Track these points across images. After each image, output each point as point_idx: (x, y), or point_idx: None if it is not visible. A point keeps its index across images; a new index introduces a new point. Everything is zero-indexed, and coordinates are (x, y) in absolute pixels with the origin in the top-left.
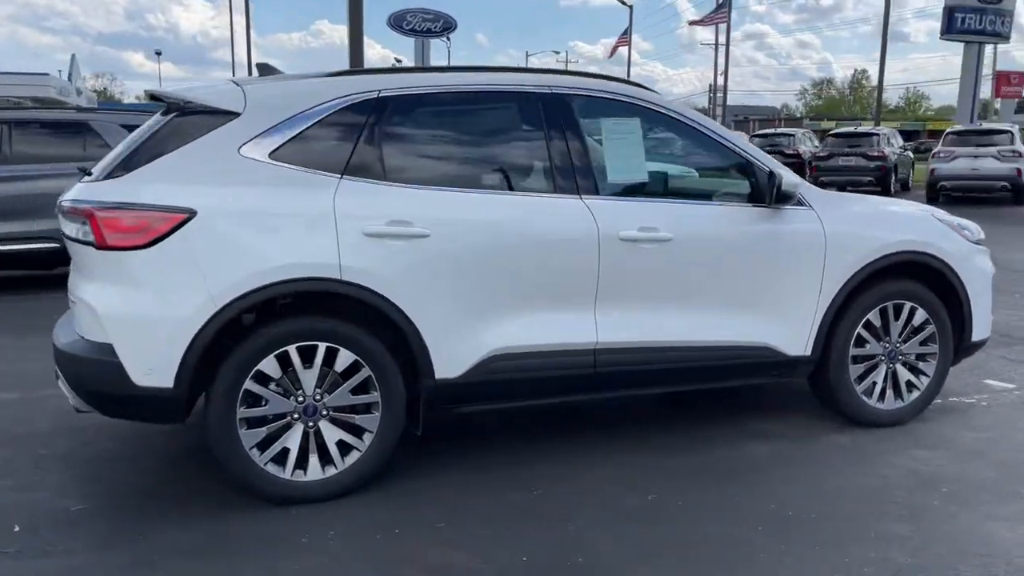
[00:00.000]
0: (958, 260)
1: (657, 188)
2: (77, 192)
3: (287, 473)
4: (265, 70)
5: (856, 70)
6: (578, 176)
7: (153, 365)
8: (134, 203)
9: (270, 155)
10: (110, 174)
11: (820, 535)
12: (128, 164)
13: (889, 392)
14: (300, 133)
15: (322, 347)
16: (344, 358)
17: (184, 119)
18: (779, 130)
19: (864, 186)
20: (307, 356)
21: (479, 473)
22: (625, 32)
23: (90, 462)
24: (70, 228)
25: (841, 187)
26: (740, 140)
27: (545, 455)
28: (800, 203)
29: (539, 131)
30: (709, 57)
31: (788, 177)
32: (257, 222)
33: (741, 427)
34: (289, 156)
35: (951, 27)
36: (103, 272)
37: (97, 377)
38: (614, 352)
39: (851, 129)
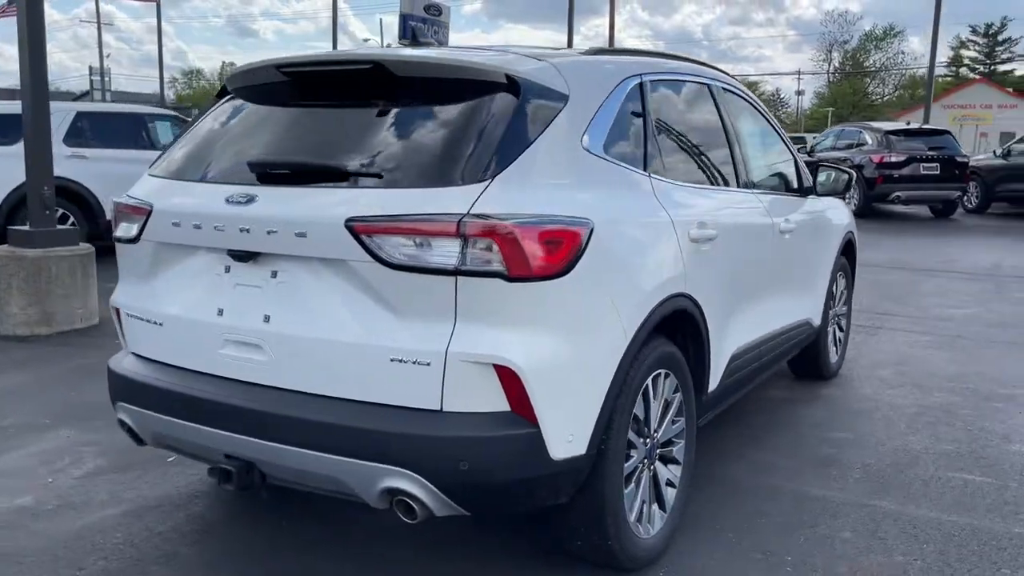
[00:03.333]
0: None
1: (765, 180)
2: (444, 202)
3: (644, 531)
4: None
5: (224, 63)
6: (749, 171)
7: (574, 429)
8: (546, 216)
9: (603, 149)
10: (466, 177)
11: None
12: (480, 164)
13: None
14: (614, 122)
15: (662, 375)
16: (670, 384)
17: (510, 102)
18: None
19: None
20: (654, 388)
21: None
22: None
23: None
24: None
25: None
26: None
27: None
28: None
29: (724, 125)
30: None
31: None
32: (639, 233)
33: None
34: (611, 150)
35: (406, 34)
36: (514, 314)
37: (498, 460)
38: (764, 343)
39: None
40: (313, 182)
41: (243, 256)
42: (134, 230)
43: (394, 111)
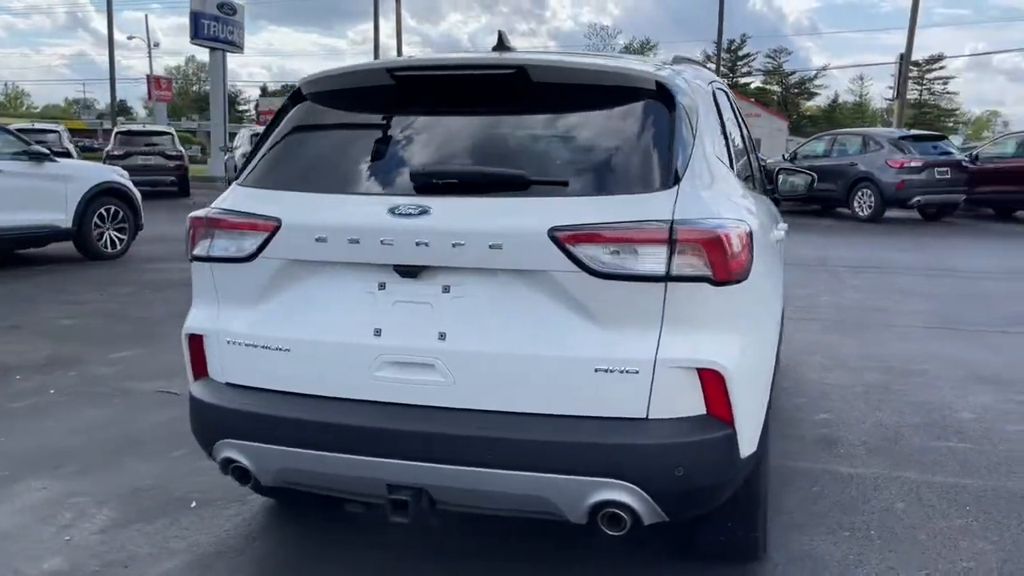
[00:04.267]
0: None
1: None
2: (646, 209)
3: None
4: None
5: None
6: (753, 172)
7: (754, 427)
8: (731, 219)
9: (715, 154)
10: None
11: None
12: (663, 170)
13: None
14: (715, 128)
15: None
16: None
17: (664, 109)
18: (40, 125)
19: (168, 186)
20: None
21: None
22: None
23: None
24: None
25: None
26: None
27: None
28: None
29: (740, 128)
30: None
31: None
32: (766, 233)
33: None
34: (719, 155)
35: (198, 32)
36: (716, 317)
37: (707, 464)
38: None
39: (141, 127)
40: (486, 192)
41: (411, 272)
42: (249, 247)
43: (545, 117)
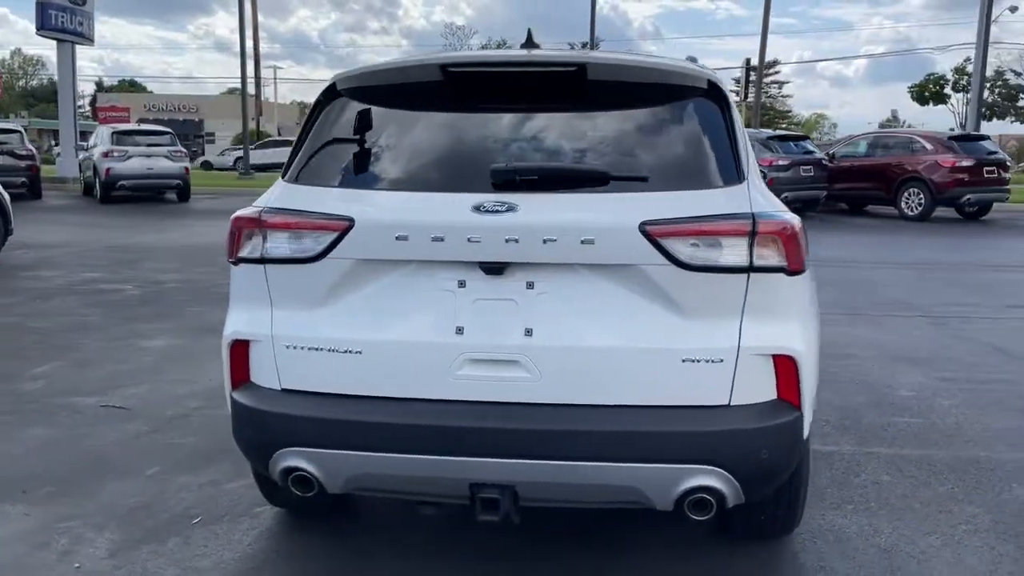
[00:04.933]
0: None
1: None
2: (726, 203)
3: None
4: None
5: None
6: None
7: (811, 410)
8: (788, 212)
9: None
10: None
11: None
12: (730, 165)
13: None
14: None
15: None
16: None
17: (716, 107)
18: None
19: (18, 187)
20: None
21: None
22: None
23: None
24: (709, 252)
25: None
26: None
27: None
28: None
29: None
30: None
31: None
32: None
33: None
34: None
35: (45, 23)
36: (789, 305)
37: (784, 446)
38: None
39: None
40: (568, 188)
41: (496, 269)
42: (316, 247)
43: (608, 114)
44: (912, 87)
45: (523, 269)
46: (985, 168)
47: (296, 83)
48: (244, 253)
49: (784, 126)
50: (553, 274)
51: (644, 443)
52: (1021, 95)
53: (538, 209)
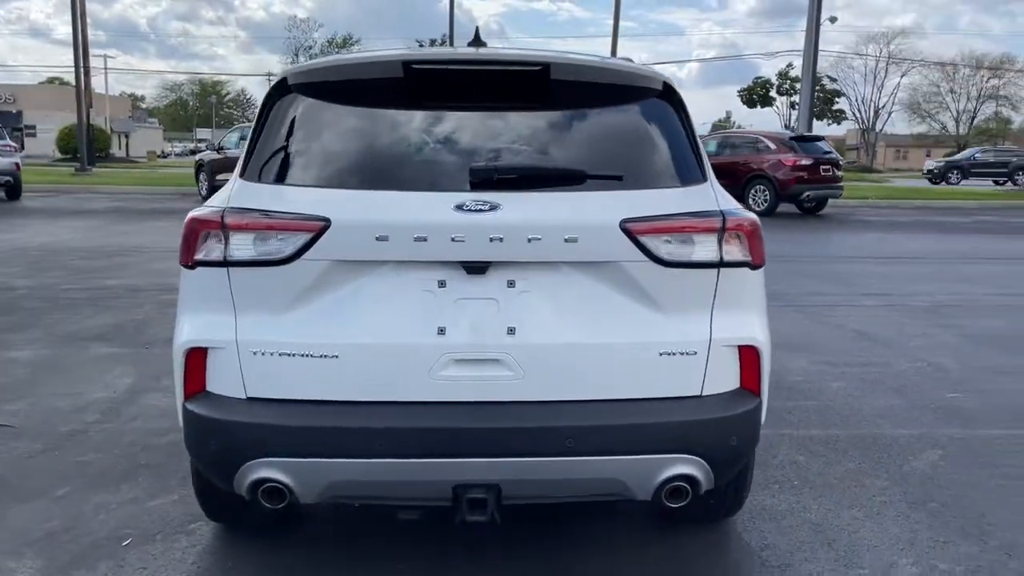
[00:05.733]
0: None
1: None
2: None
3: None
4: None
5: None
6: None
7: (766, 398)
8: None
9: None
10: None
11: None
12: (693, 164)
13: None
14: None
15: None
16: None
17: (671, 108)
18: None
19: None
20: None
21: None
22: None
23: None
24: (684, 249)
25: None
26: None
27: None
28: None
29: None
30: None
31: None
32: None
33: None
34: None
35: None
36: (751, 299)
37: (748, 433)
38: None
39: None
40: (545, 187)
41: (479, 268)
42: (287, 249)
43: (569, 113)
44: (741, 90)
45: (504, 268)
46: (822, 166)
47: (122, 74)
48: (201, 256)
49: None
50: (534, 272)
51: (626, 436)
52: (836, 99)
53: (521, 208)
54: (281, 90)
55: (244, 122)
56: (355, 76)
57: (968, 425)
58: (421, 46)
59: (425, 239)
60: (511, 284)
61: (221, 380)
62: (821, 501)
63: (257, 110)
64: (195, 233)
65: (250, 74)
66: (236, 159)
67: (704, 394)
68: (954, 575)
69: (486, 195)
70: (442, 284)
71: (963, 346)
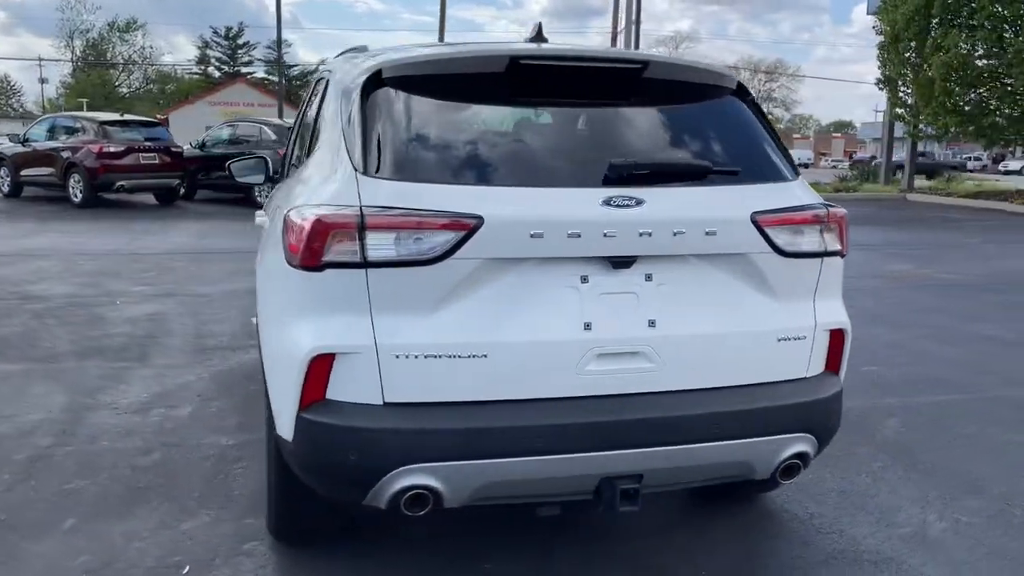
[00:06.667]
0: None
1: None
2: (803, 195)
3: None
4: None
5: None
6: None
7: None
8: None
9: None
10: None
11: None
12: (787, 160)
13: None
14: None
15: None
16: None
17: (745, 105)
18: None
19: None
20: None
21: None
22: None
23: None
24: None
25: None
26: None
27: None
28: None
29: None
30: None
31: None
32: None
33: None
34: None
35: None
36: (839, 285)
37: (838, 411)
38: None
39: None
40: (677, 182)
41: (625, 262)
42: (437, 248)
43: (665, 109)
44: None
45: (646, 262)
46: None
47: None
48: (332, 257)
49: None
50: (668, 265)
51: (758, 419)
52: None
53: (664, 203)
54: (376, 82)
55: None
56: (459, 70)
57: (902, 395)
58: (216, 33)
59: (579, 235)
60: (648, 278)
61: (350, 387)
62: (831, 471)
63: (333, 101)
64: (323, 234)
65: (14, 58)
66: (48, 153)
67: (809, 376)
68: (976, 526)
69: (627, 191)
70: (585, 279)
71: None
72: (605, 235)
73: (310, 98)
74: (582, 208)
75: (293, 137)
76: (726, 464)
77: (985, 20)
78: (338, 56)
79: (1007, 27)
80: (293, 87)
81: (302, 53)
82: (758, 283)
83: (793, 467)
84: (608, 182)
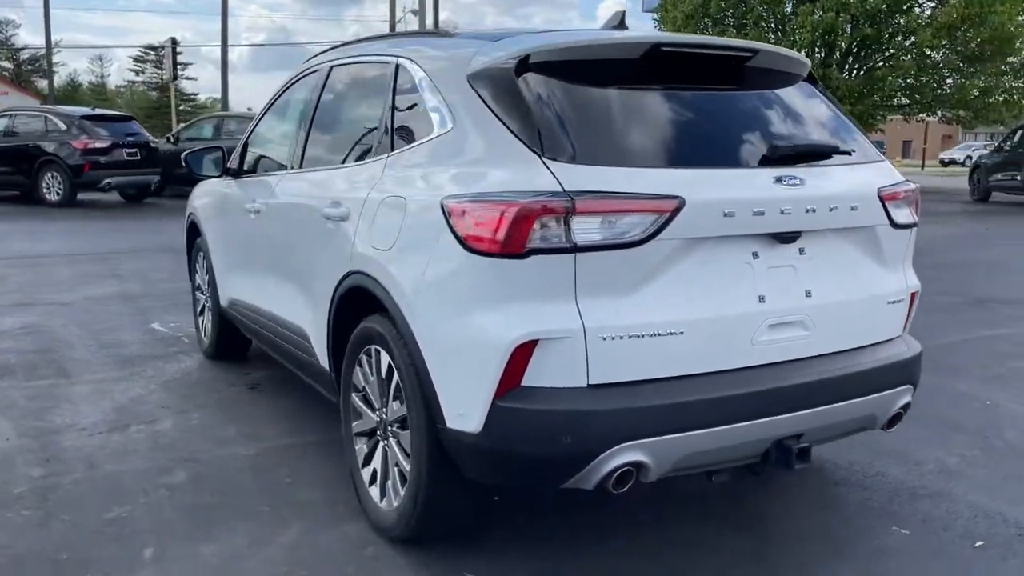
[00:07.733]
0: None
1: None
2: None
3: None
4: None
5: None
6: None
7: None
8: None
9: None
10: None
11: None
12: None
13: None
14: None
15: None
16: None
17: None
18: None
19: None
20: None
21: None
22: None
23: None
24: (903, 212)
25: None
26: None
27: None
28: None
29: None
30: None
31: None
32: None
33: None
34: None
35: None
36: (911, 253)
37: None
38: None
39: None
40: (817, 160)
41: (790, 237)
42: (642, 230)
43: (773, 94)
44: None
45: (804, 236)
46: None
47: None
48: (537, 243)
49: (190, 108)
50: (816, 239)
51: (886, 374)
52: None
53: (819, 181)
54: (525, 67)
55: None
56: (603, 56)
57: None
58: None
59: (763, 212)
60: (802, 251)
61: (551, 372)
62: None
63: (451, 87)
64: (528, 220)
65: None
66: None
67: (904, 335)
68: (978, 457)
69: (789, 170)
70: (756, 255)
71: None
72: (782, 212)
73: (327, 89)
74: (762, 187)
75: (295, 130)
76: (859, 418)
77: (752, 22)
78: (363, 43)
79: (772, 28)
80: (24, 72)
81: (32, 37)
82: (875, 253)
83: (898, 416)
84: (766, 162)
